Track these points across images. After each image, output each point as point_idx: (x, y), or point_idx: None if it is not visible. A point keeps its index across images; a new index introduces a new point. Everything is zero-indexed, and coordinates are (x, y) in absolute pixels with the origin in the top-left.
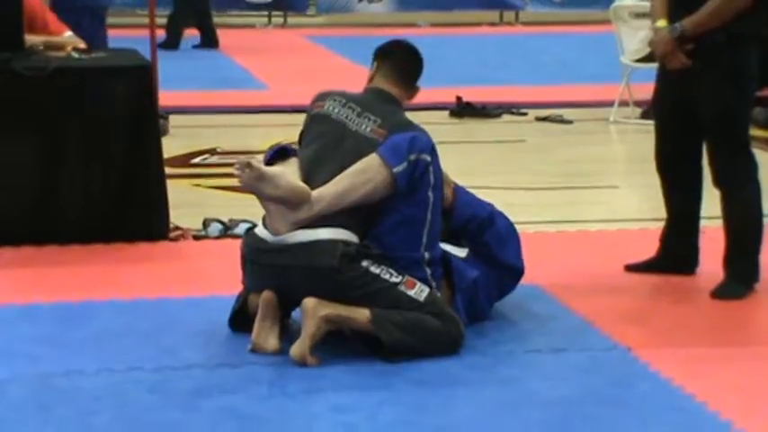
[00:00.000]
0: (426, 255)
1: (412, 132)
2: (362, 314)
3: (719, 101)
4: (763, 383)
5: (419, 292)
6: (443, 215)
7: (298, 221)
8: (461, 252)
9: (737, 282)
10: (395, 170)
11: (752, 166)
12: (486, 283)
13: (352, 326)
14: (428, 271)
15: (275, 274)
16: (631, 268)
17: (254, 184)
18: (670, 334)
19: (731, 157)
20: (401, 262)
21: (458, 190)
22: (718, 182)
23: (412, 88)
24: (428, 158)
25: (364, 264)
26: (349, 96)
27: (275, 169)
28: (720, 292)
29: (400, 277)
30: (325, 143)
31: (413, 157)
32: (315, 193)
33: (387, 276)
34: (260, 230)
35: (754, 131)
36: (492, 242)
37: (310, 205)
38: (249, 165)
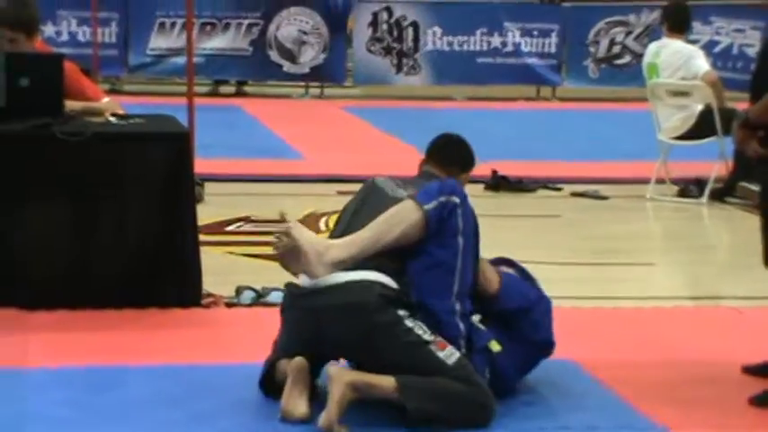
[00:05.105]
0: (457, 306)
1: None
2: (388, 381)
3: None
4: None
5: (449, 354)
6: (487, 301)
7: (334, 263)
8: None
9: None
10: (426, 207)
11: None
12: (510, 350)
13: (377, 393)
14: (461, 326)
15: (310, 318)
16: (749, 370)
17: (284, 253)
18: (708, 414)
19: None
20: (433, 313)
21: (506, 278)
22: None
23: (456, 171)
24: (456, 200)
25: (400, 312)
26: (396, 176)
27: (309, 248)
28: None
29: (432, 336)
30: (364, 203)
31: (443, 198)
32: (348, 237)
33: (419, 332)
34: (300, 279)
35: None
36: (525, 329)
37: (346, 246)
38: (288, 233)
